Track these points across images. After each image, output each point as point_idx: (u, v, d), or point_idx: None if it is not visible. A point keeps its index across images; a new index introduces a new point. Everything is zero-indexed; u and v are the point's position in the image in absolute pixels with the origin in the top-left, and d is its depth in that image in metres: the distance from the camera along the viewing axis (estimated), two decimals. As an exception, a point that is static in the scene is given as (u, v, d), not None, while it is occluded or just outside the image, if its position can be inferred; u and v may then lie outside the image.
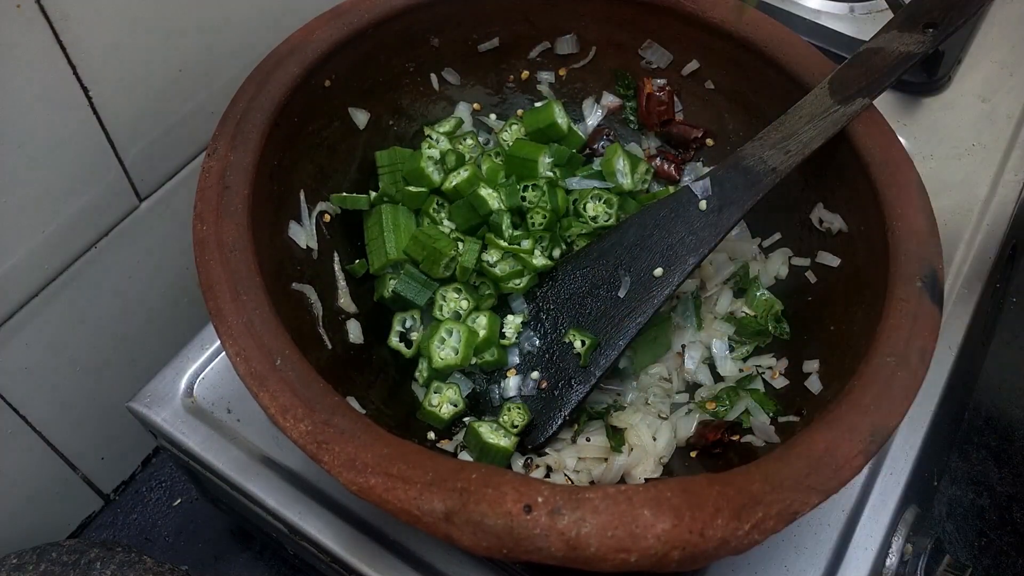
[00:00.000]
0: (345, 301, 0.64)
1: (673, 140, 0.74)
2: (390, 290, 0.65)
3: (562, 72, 0.75)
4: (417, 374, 0.65)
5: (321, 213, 0.65)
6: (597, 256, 0.66)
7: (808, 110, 0.61)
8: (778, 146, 0.61)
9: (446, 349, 0.63)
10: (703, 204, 0.62)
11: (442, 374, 0.63)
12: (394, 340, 0.65)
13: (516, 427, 0.62)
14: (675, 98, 0.74)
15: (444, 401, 0.62)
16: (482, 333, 0.64)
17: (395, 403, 0.63)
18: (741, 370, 0.65)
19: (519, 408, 0.63)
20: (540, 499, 0.40)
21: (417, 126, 0.73)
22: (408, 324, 0.66)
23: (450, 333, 0.63)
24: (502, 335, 0.66)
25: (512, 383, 0.65)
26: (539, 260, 0.66)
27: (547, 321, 0.66)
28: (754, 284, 0.68)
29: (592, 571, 0.40)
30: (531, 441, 0.62)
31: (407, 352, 0.66)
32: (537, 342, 0.66)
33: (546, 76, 0.75)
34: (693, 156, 0.74)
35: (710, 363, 0.67)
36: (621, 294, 0.64)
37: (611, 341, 0.63)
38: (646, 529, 0.39)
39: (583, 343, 0.63)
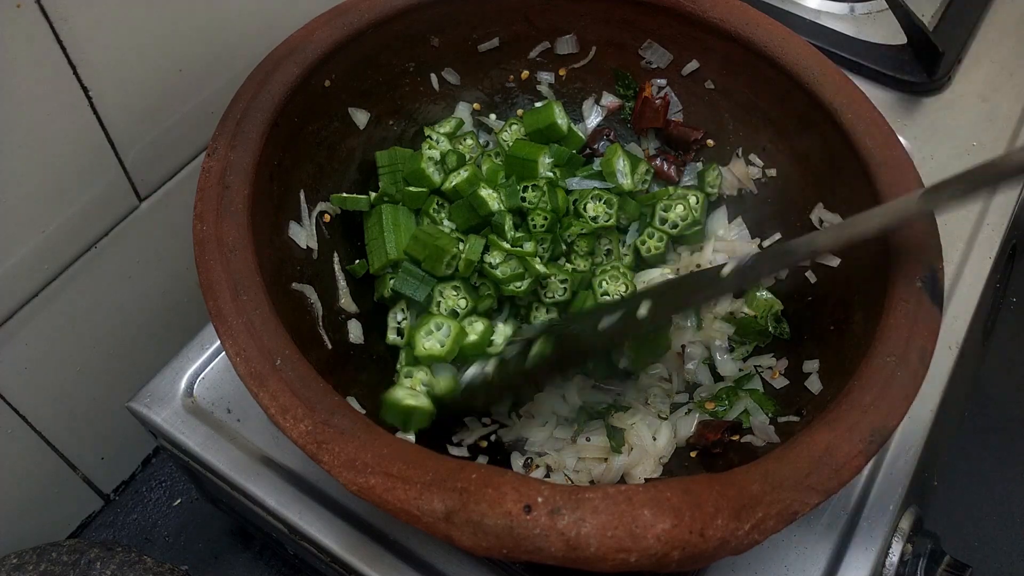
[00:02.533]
0: (346, 301, 0.64)
1: (672, 141, 0.74)
2: (390, 289, 0.65)
3: (562, 72, 0.75)
4: (398, 366, 0.65)
5: (321, 213, 0.65)
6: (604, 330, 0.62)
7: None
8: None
9: (432, 340, 0.62)
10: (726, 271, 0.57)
11: (422, 363, 0.63)
12: (392, 336, 0.65)
13: (428, 388, 0.61)
14: (675, 99, 0.74)
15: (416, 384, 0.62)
16: (474, 338, 0.64)
17: (395, 403, 0.63)
18: (740, 370, 0.65)
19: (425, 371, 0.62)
20: (540, 499, 0.40)
21: (417, 126, 0.73)
22: (400, 318, 0.66)
23: (439, 327, 0.63)
24: (490, 342, 0.66)
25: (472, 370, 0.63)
26: (540, 266, 0.66)
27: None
28: None
29: (592, 571, 0.40)
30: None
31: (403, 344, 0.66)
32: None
33: (546, 76, 0.75)
34: (693, 157, 0.74)
35: (710, 363, 0.67)
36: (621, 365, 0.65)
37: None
38: (646, 529, 0.39)
39: None
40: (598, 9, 0.71)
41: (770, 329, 0.65)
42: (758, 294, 0.67)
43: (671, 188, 0.73)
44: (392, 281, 0.65)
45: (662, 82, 0.73)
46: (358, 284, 0.66)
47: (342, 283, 0.65)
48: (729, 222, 0.72)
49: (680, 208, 0.70)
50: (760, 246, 0.70)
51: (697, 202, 0.70)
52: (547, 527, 0.39)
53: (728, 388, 0.64)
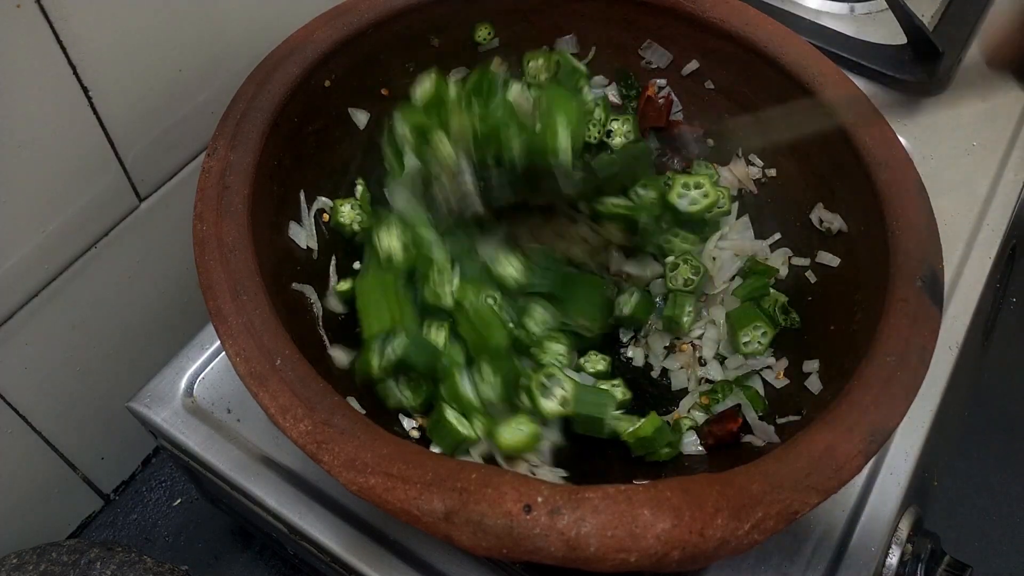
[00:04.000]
0: (333, 302, 0.64)
1: (674, 140, 0.74)
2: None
3: (562, 72, 0.75)
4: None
5: (320, 212, 0.65)
6: None
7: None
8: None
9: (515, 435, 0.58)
10: None
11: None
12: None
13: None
14: (675, 99, 0.74)
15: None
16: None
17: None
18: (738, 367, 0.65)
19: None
20: (540, 499, 0.40)
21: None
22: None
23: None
24: None
25: None
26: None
27: None
28: None
29: (592, 571, 0.40)
30: None
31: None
32: None
33: (546, 76, 0.75)
34: (696, 155, 0.74)
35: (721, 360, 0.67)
36: None
37: None
38: (646, 529, 0.39)
39: None
40: (598, 9, 0.71)
41: (781, 321, 0.65)
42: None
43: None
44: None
45: (662, 82, 0.73)
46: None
47: (333, 283, 0.65)
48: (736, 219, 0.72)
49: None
50: (760, 246, 0.70)
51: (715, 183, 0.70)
52: (547, 527, 0.39)
53: (724, 383, 0.64)
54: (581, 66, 0.73)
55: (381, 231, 0.63)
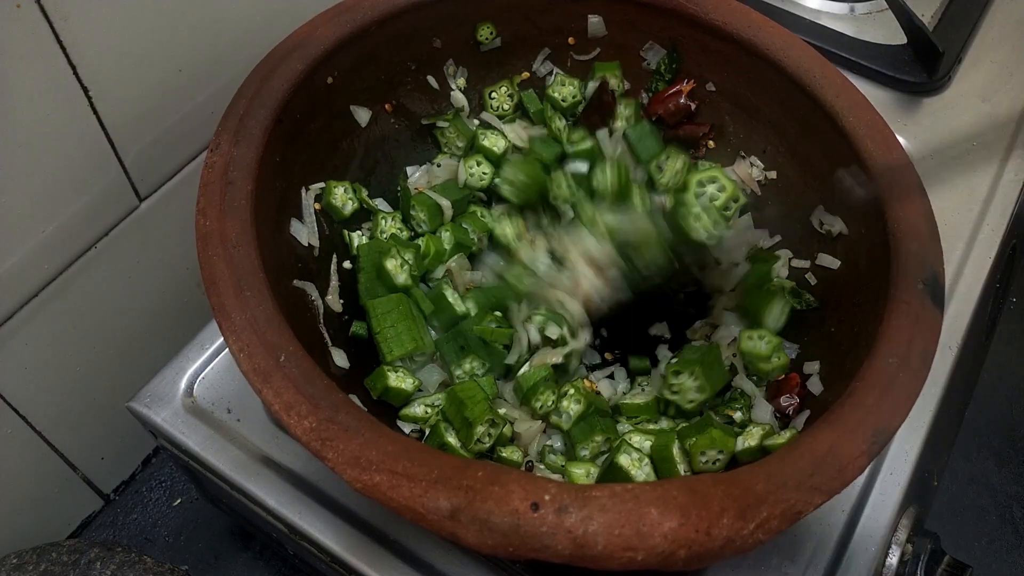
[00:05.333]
0: (332, 299, 0.64)
1: (680, 139, 0.74)
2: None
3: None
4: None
5: (319, 197, 0.65)
6: None
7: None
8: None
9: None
10: None
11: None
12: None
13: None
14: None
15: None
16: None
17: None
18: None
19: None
20: (547, 497, 0.40)
21: (418, 125, 0.72)
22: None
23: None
24: None
25: None
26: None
27: None
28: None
29: (598, 569, 0.40)
30: None
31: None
32: None
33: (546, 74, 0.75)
34: (704, 155, 0.74)
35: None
36: None
37: None
38: (653, 528, 0.39)
39: None
40: (600, 10, 0.71)
41: (795, 305, 0.65)
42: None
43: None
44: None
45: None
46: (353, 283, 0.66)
47: (334, 282, 0.65)
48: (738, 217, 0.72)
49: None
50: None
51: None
52: (554, 525, 0.39)
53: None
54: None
55: (387, 259, 0.64)
